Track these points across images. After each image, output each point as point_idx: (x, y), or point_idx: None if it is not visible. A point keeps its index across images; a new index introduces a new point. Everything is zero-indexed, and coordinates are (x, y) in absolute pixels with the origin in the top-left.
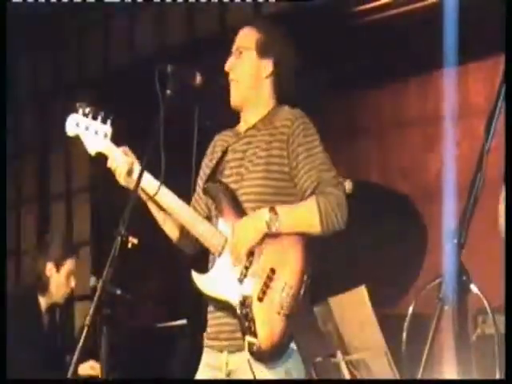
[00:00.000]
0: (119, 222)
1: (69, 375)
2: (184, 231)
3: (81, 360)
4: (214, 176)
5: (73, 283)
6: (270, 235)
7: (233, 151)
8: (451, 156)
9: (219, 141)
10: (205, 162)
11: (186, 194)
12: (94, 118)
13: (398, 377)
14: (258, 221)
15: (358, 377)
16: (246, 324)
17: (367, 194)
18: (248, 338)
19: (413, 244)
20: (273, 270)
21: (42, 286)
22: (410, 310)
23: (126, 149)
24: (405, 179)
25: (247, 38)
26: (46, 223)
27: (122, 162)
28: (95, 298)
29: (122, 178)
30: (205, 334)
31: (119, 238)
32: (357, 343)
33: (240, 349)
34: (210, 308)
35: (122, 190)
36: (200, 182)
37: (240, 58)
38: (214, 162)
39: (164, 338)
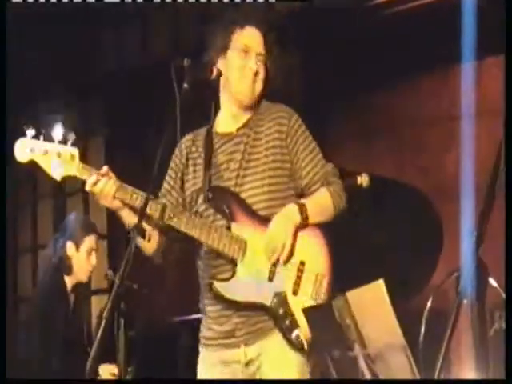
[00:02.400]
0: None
1: (87, 369)
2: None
3: (99, 354)
4: (210, 182)
5: (94, 260)
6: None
7: (223, 153)
8: (469, 154)
9: (193, 144)
10: (172, 165)
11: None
12: (50, 139)
13: (415, 370)
14: (292, 215)
15: (376, 370)
16: (287, 322)
17: (383, 189)
18: (294, 333)
19: (429, 239)
20: (302, 263)
21: (66, 266)
22: (429, 304)
23: (106, 169)
24: (421, 177)
25: (259, 44)
26: (63, 219)
27: (103, 183)
28: (112, 292)
29: (108, 202)
30: (204, 335)
31: (136, 232)
32: (375, 337)
33: (258, 339)
34: (219, 307)
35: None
36: (167, 186)
37: (261, 65)
38: (201, 167)
39: (179, 333)
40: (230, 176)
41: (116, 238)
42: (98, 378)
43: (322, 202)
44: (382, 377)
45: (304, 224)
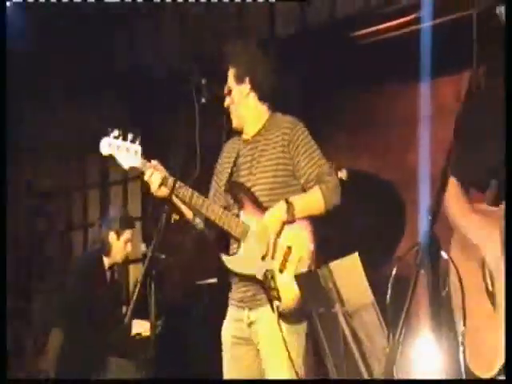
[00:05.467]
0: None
1: (125, 323)
2: (207, 222)
3: (134, 310)
4: (231, 177)
5: (129, 248)
6: (286, 221)
7: (243, 156)
8: (426, 152)
9: (230, 148)
10: (218, 167)
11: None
12: (124, 139)
13: (383, 324)
14: (279, 211)
15: (353, 324)
16: (273, 292)
17: (359, 180)
18: (276, 303)
19: (395, 220)
20: (289, 248)
21: (106, 249)
22: (393, 272)
23: (155, 163)
24: (389, 170)
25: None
26: (107, 204)
27: (154, 176)
28: (146, 262)
29: (155, 191)
30: (230, 296)
31: (164, 215)
32: (351, 297)
33: (258, 306)
34: (234, 280)
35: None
36: (215, 184)
37: (229, 94)
38: (230, 165)
39: (196, 293)
40: (244, 173)
41: (148, 218)
42: (133, 332)
43: (311, 199)
44: (356, 329)
45: (291, 218)
